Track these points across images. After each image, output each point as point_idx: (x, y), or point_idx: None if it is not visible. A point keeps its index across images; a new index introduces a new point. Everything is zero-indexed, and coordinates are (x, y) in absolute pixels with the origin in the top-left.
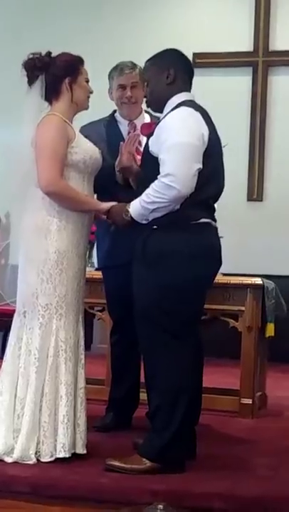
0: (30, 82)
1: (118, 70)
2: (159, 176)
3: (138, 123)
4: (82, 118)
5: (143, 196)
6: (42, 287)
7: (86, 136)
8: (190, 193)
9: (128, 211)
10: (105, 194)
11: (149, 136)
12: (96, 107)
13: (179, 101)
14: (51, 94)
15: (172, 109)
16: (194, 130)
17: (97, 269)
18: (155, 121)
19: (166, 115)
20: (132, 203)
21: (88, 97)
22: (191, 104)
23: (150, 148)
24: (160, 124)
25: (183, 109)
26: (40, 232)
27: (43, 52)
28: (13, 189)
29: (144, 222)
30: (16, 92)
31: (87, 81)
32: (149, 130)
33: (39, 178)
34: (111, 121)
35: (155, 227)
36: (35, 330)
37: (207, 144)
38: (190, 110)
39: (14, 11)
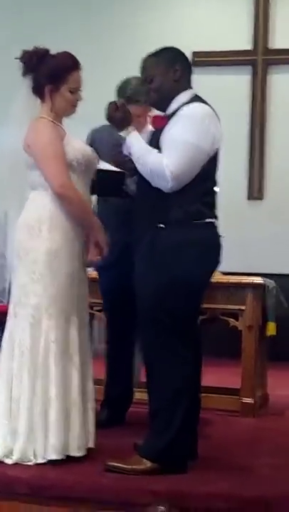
0: (23, 76)
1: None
2: (165, 161)
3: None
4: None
5: (147, 155)
6: (32, 287)
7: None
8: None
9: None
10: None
11: (159, 130)
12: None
13: (188, 97)
14: (37, 97)
15: (185, 104)
16: (210, 135)
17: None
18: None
19: (177, 109)
20: (136, 141)
21: (74, 105)
22: (204, 101)
23: (162, 142)
24: (178, 114)
25: (199, 105)
26: (32, 232)
27: (43, 47)
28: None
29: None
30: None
31: (75, 90)
32: (161, 124)
33: (51, 181)
34: None
35: (162, 225)
36: (26, 330)
37: (217, 146)
38: (207, 109)
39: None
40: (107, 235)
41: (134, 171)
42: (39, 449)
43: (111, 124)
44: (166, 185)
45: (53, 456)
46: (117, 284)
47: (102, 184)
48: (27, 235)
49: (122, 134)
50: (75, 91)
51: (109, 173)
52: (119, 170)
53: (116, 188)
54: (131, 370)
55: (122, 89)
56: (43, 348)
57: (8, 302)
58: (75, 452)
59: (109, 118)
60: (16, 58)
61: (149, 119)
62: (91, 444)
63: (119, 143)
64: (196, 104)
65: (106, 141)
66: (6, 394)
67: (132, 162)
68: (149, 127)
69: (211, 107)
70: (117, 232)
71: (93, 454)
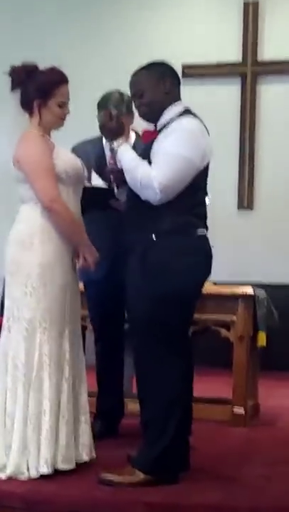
0: (12, 91)
1: None
2: (153, 172)
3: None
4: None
5: (137, 167)
6: (26, 301)
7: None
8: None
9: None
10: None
11: (149, 143)
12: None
13: (180, 109)
14: (26, 111)
15: (176, 117)
16: (200, 150)
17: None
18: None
19: (169, 122)
20: (127, 153)
21: (62, 119)
22: (194, 114)
23: (152, 155)
24: (170, 128)
25: (191, 120)
26: (24, 245)
27: (31, 63)
28: None
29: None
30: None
31: (63, 104)
32: (150, 138)
33: (41, 196)
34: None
35: (153, 237)
36: (20, 344)
37: (207, 160)
38: (198, 123)
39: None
40: (98, 252)
41: (124, 182)
42: (32, 463)
43: (101, 134)
44: (154, 197)
45: (45, 469)
46: (106, 297)
47: (89, 201)
48: (19, 248)
49: (113, 145)
50: (63, 105)
51: (97, 190)
52: (105, 187)
53: (103, 204)
54: (122, 382)
55: (104, 102)
56: (37, 362)
57: (1, 316)
58: (61, 465)
59: (102, 127)
60: (5, 73)
61: (131, 131)
62: (86, 457)
63: (103, 154)
64: (188, 120)
65: (91, 154)
66: (1, 408)
67: (122, 173)
68: (132, 139)
69: (202, 121)
70: (106, 246)
71: (87, 466)
